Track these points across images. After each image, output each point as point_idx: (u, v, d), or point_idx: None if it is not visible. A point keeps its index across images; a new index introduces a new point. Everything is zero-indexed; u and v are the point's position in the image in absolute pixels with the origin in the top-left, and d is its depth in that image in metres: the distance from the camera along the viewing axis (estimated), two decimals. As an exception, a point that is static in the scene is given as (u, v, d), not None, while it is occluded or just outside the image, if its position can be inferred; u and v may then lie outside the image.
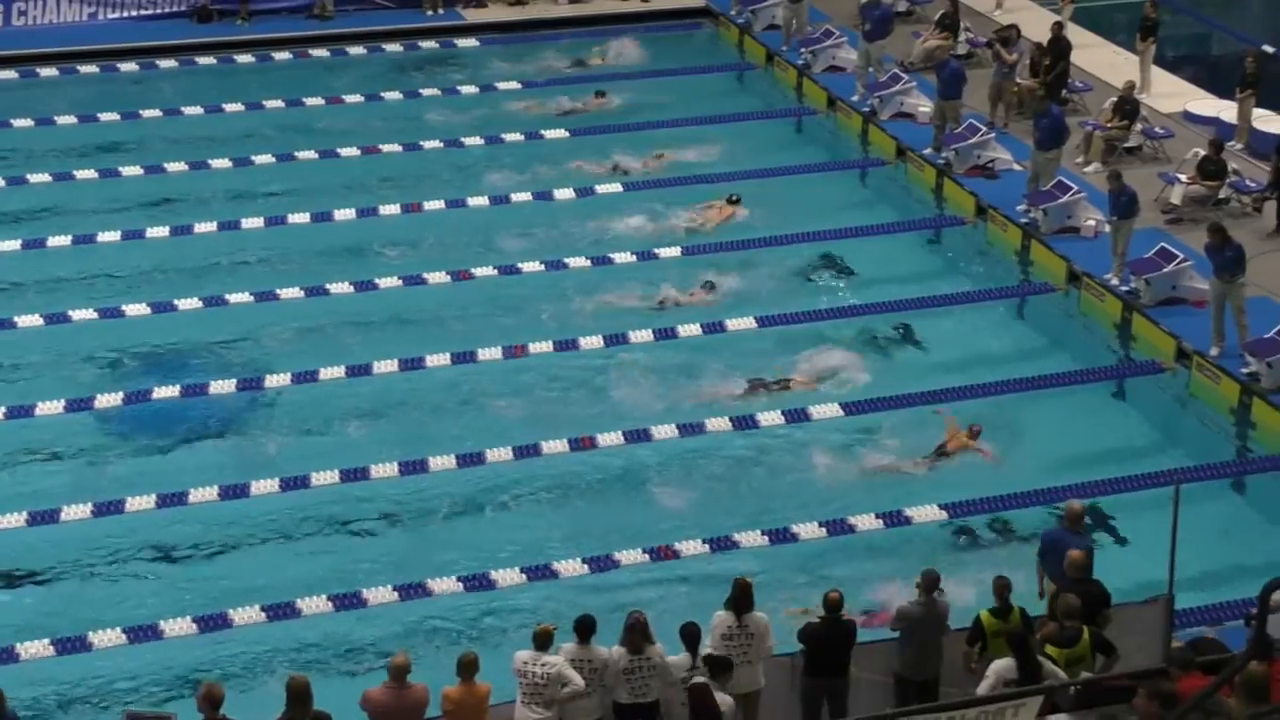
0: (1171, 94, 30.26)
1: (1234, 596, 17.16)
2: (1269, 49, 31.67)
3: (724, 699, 14.27)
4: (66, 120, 30.05)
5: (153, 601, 18.14)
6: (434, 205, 26.80)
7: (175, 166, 28.10)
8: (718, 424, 21.02)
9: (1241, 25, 36.48)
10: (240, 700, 15.22)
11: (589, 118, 30.24)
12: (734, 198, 26.46)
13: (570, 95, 31.18)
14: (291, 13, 34.29)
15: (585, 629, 14.52)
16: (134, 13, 34.06)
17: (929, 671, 15.15)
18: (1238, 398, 21.37)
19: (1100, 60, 31.42)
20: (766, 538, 18.91)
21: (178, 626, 17.55)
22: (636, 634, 14.47)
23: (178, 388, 21.87)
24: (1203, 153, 25.94)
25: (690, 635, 14.60)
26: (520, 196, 27.10)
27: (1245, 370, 21.47)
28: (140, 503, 19.53)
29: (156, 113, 30.21)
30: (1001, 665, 14.19)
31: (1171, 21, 33.98)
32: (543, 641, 14.33)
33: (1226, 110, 28.72)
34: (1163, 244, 23.82)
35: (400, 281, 24.45)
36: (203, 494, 19.70)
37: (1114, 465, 20.11)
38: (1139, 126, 27.72)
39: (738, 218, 26.25)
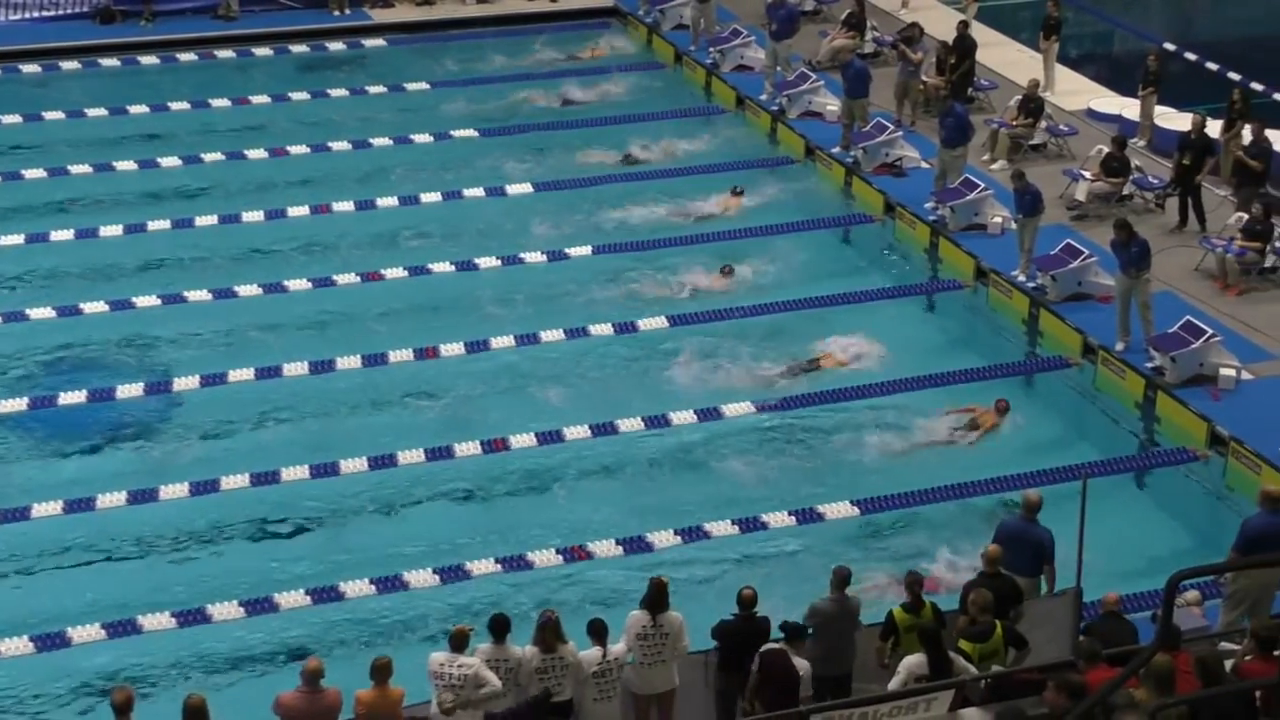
0: (1075, 92, 30.61)
1: (1140, 589, 17.37)
2: (1170, 47, 32.08)
3: (801, 664, 14.49)
4: (-33, 123, 29.74)
5: (60, 608, 17.92)
6: (343, 206, 26.66)
7: (79, 168, 27.83)
8: (630, 424, 21.06)
9: (1143, 23, 36.96)
10: (151, 707, 15.09)
11: (495, 118, 30.17)
12: (738, 189, 26.91)
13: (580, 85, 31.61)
14: (196, 13, 33.98)
15: (500, 628, 14.49)
16: (35, 14, 33.67)
17: (841, 667, 15.23)
18: (1143, 392, 21.63)
19: (1005, 58, 31.72)
20: (680, 537, 18.96)
21: (86, 633, 17.36)
22: (549, 632, 14.46)
23: (84, 392, 21.64)
24: (1106, 150, 26.24)
25: (597, 630, 14.62)
26: (430, 197, 27.02)
27: (1150, 365, 21.73)
28: (46, 508, 19.29)
29: (59, 115, 29.91)
30: (913, 661, 14.29)
31: (1074, 20, 34.36)
32: (459, 643, 14.28)
33: (1129, 108, 29.07)
34: (1068, 240, 24.08)
35: (309, 283, 24.33)
36: (110, 499, 19.50)
37: (1022, 459, 20.30)
38: (1044, 124, 28.01)
39: (743, 207, 26.69)
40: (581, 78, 31.96)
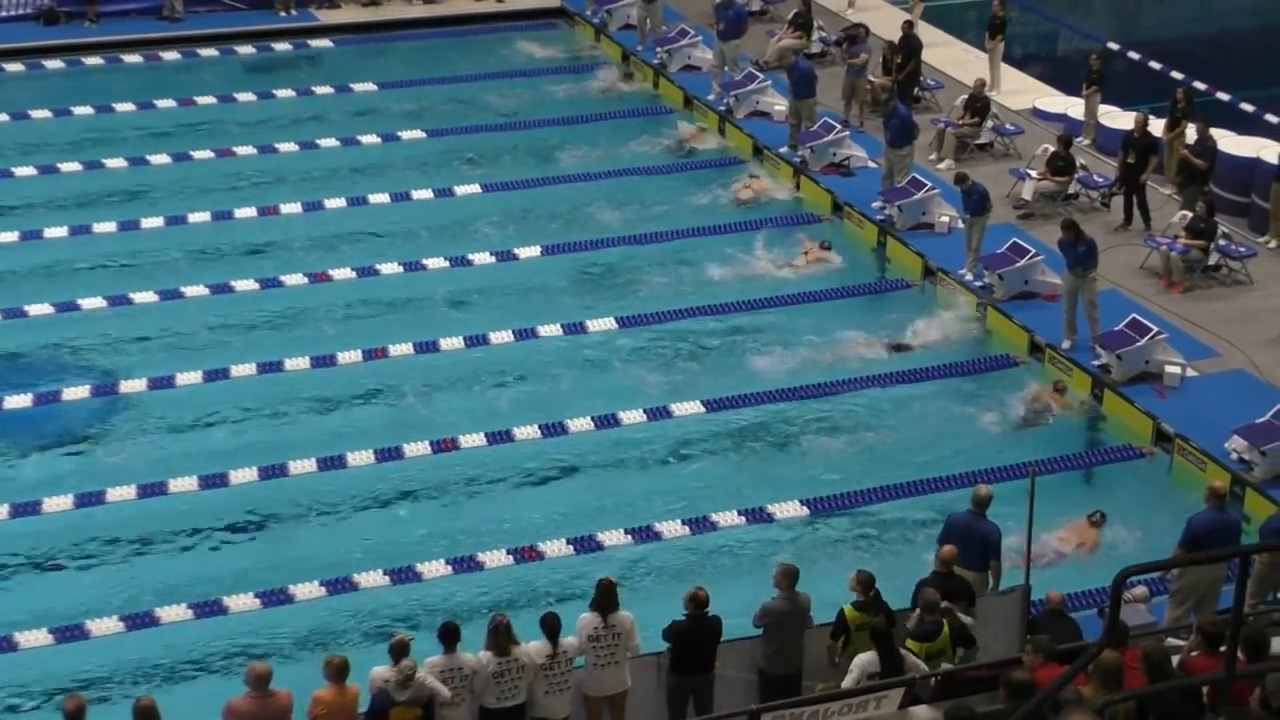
0: (1020, 91, 30.79)
1: (1088, 586, 17.50)
2: (1113, 46, 32.30)
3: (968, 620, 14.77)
4: (-89, 124, 29.48)
5: (6, 613, 17.80)
6: (290, 208, 26.56)
7: (24, 170, 27.66)
8: (580, 424, 21.07)
9: (1086, 23, 37.20)
10: (103, 713, 15.02)
11: (442, 118, 30.15)
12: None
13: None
14: (140, 14, 33.76)
15: (451, 637, 14.37)
16: (-21, 16, 33.42)
17: (791, 666, 15.27)
18: (1089, 390, 21.78)
19: (950, 58, 31.88)
20: (631, 537, 18.99)
21: (34, 638, 17.27)
22: (502, 636, 14.43)
23: (30, 395, 21.53)
24: (1052, 149, 26.39)
25: (550, 625, 14.59)
26: (378, 198, 26.97)
27: (1096, 363, 21.89)
28: (-7, 512, 19.24)
29: (3, 117, 29.70)
30: (865, 659, 14.35)
31: (1019, 20, 34.57)
32: (400, 653, 14.15)
33: (1074, 107, 29.25)
34: (1015, 239, 24.21)
35: (257, 284, 24.25)
36: (57, 503, 19.40)
37: (971, 457, 20.41)
38: (990, 123, 28.15)
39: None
40: (528, 78, 31.94)
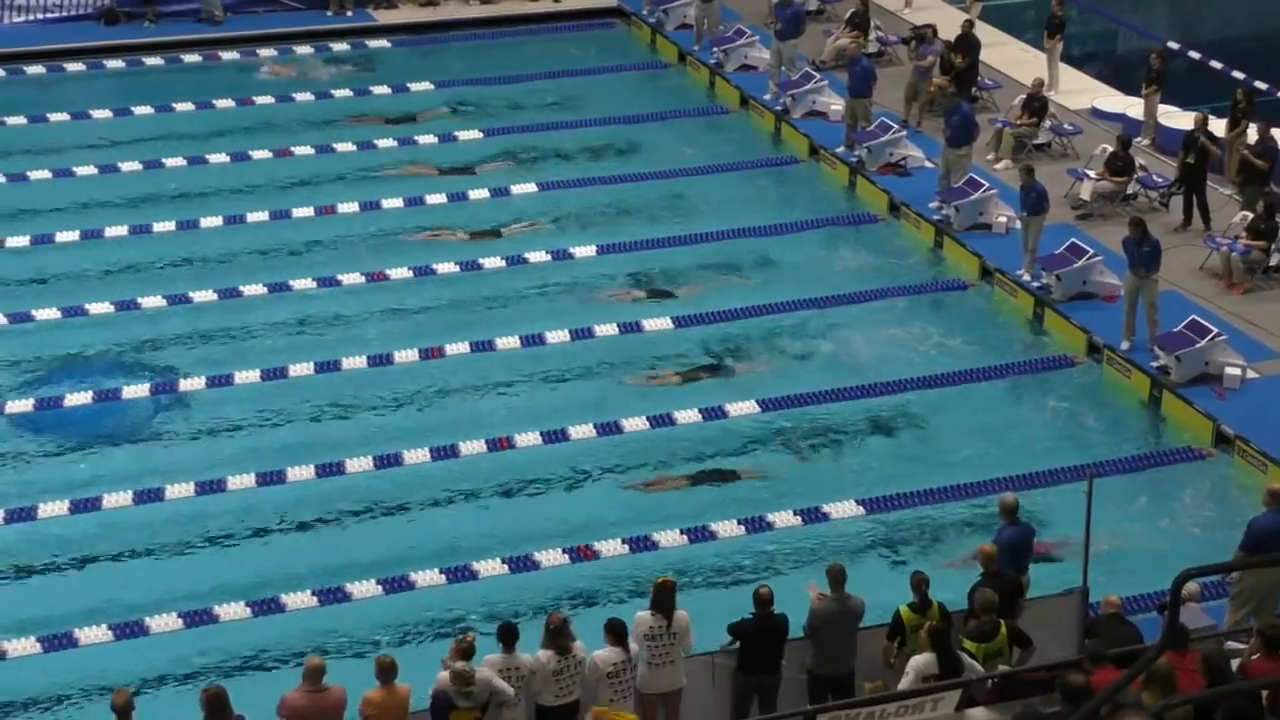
0: (1079, 91, 30.59)
1: (1147, 589, 17.38)
2: (1173, 45, 32.08)
3: None
4: (-28, 124, 29.72)
5: (66, 609, 17.94)
6: (348, 207, 26.66)
7: (84, 170, 27.83)
8: (635, 423, 21.07)
9: (1146, 22, 36.97)
10: (155, 708, 15.13)
11: (498, 117, 30.19)
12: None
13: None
14: (196, 15, 33.92)
15: (510, 637, 14.43)
16: (39, 16, 33.61)
17: (841, 668, 15.21)
18: (1148, 391, 21.64)
19: (1009, 58, 31.71)
20: (686, 537, 18.98)
21: (93, 634, 17.40)
22: (561, 634, 14.43)
23: (90, 392, 21.69)
24: (1110, 149, 26.24)
25: (615, 629, 14.60)
26: (435, 198, 27.03)
27: (1155, 364, 21.74)
28: (53, 509, 19.36)
29: (64, 116, 29.90)
30: (921, 660, 14.30)
31: (1078, 19, 34.37)
32: (466, 654, 14.18)
33: (1133, 107, 29.06)
34: (1073, 239, 24.08)
35: (314, 283, 24.35)
36: (116, 499, 19.53)
37: (1028, 459, 20.31)
38: (1048, 123, 27.99)
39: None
40: (584, 77, 31.98)
